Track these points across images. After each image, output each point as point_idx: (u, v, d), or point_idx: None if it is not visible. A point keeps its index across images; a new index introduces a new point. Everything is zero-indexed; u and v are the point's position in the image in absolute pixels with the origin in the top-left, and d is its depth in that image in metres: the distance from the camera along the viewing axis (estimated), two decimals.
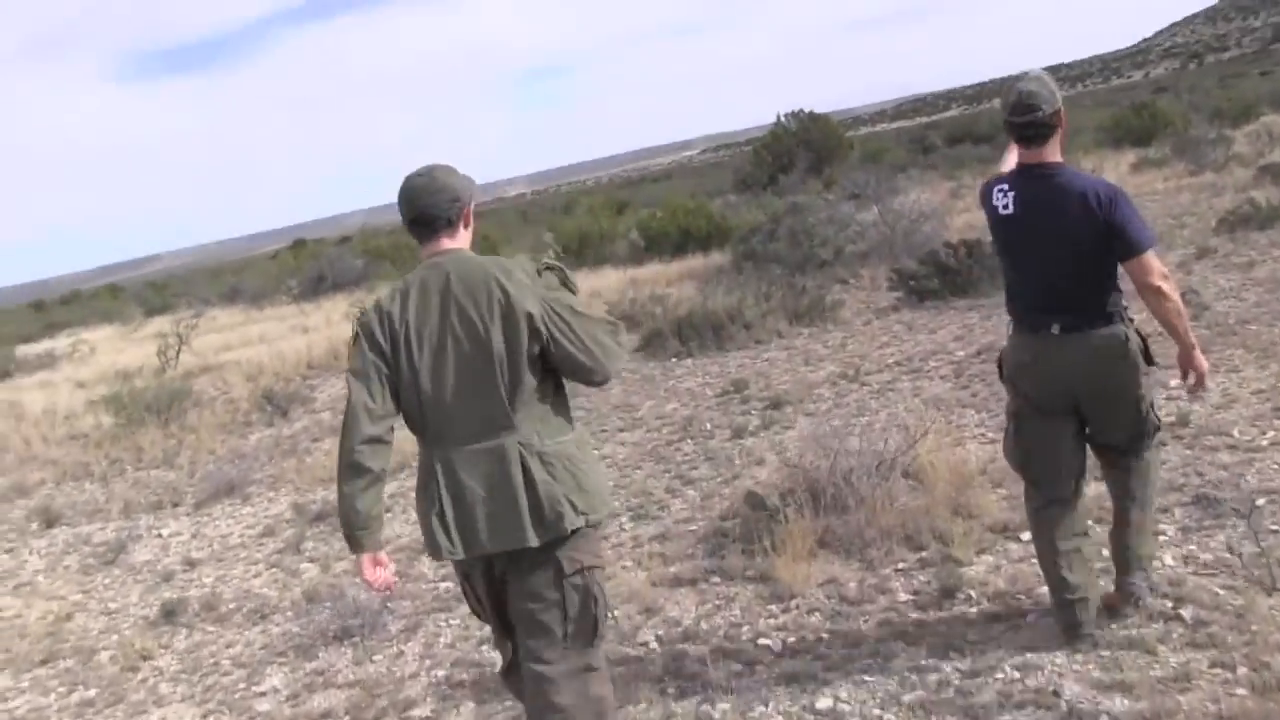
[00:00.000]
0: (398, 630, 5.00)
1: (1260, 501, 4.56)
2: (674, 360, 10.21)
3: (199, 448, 10.40)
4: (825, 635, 4.12)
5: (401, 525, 6.60)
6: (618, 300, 13.66)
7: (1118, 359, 3.57)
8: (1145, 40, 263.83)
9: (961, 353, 8.38)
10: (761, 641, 4.16)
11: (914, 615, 4.15)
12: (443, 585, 5.39)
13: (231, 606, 5.77)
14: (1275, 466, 4.97)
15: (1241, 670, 3.36)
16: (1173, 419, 5.48)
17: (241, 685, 4.75)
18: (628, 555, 5.38)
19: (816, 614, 4.33)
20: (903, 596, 4.34)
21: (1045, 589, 4.07)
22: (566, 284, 3.15)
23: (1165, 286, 3.47)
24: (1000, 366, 3.93)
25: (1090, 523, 4.06)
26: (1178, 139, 20.45)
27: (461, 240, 3.13)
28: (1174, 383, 3.95)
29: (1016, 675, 3.57)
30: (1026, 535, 4.66)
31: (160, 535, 7.51)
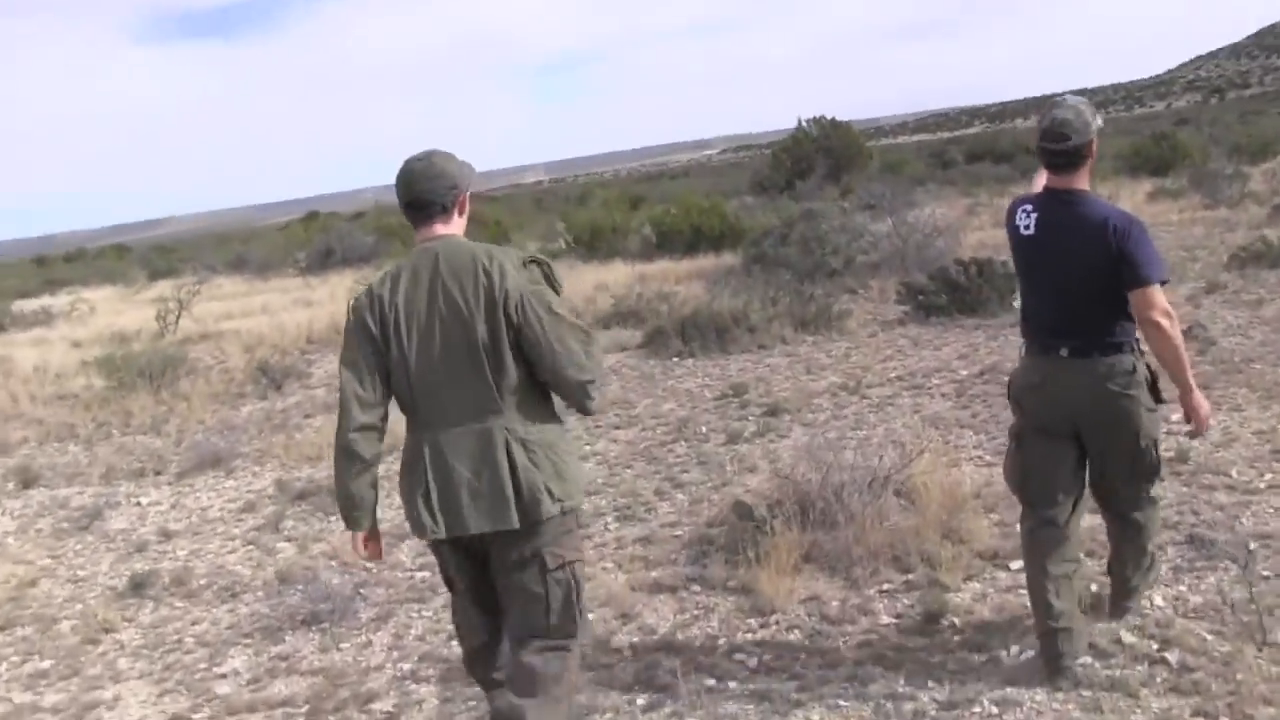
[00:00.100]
0: (368, 618, 4.89)
1: (1254, 546, 4.45)
2: (675, 359, 10.09)
3: (189, 416, 10.29)
4: (803, 655, 4.00)
5: (384, 510, 6.44)
6: (624, 295, 13.56)
7: (1122, 387, 3.55)
8: (1169, 71, 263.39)
9: (965, 372, 8.25)
10: (737, 656, 4.05)
11: (895, 639, 4.04)
12: (419, 575, 5.28)
13: (202, 582, 5.66)
14: (1271, 510, 4.86)
15: None
16: (1171, 454, 5.36)
17: (203, 665, 4.64)
18: (609, 556, 5.27)
19: (796, 631, 4.21)
20: (885, 619, 4.23)
21: (1031, 622, 3.96)
22: (550, 280, 3.15)
23: (1165, 324, 3.45)
24: (1010, 385, 3.94)
25: (1082, 555, 3.99)
26: (1195, 171, 20.29)
27: (455, 227, 3.16)
28: (1175, 417, 3.83)
29: (995, 710, 3.47)
30: (1016, 564, 4.55)
31: (139, 504, 7.40)
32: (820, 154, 30.71)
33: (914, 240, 13.66)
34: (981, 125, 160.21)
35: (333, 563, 5.67)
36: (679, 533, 5.44)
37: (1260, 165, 23.14)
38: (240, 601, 5.34)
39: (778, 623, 4.29)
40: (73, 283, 36.66)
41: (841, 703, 3.62)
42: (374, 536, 3.29)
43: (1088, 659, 3.68)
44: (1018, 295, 10.51)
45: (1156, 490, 3.85)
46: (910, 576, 4.57)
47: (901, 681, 3.71)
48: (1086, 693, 3.49)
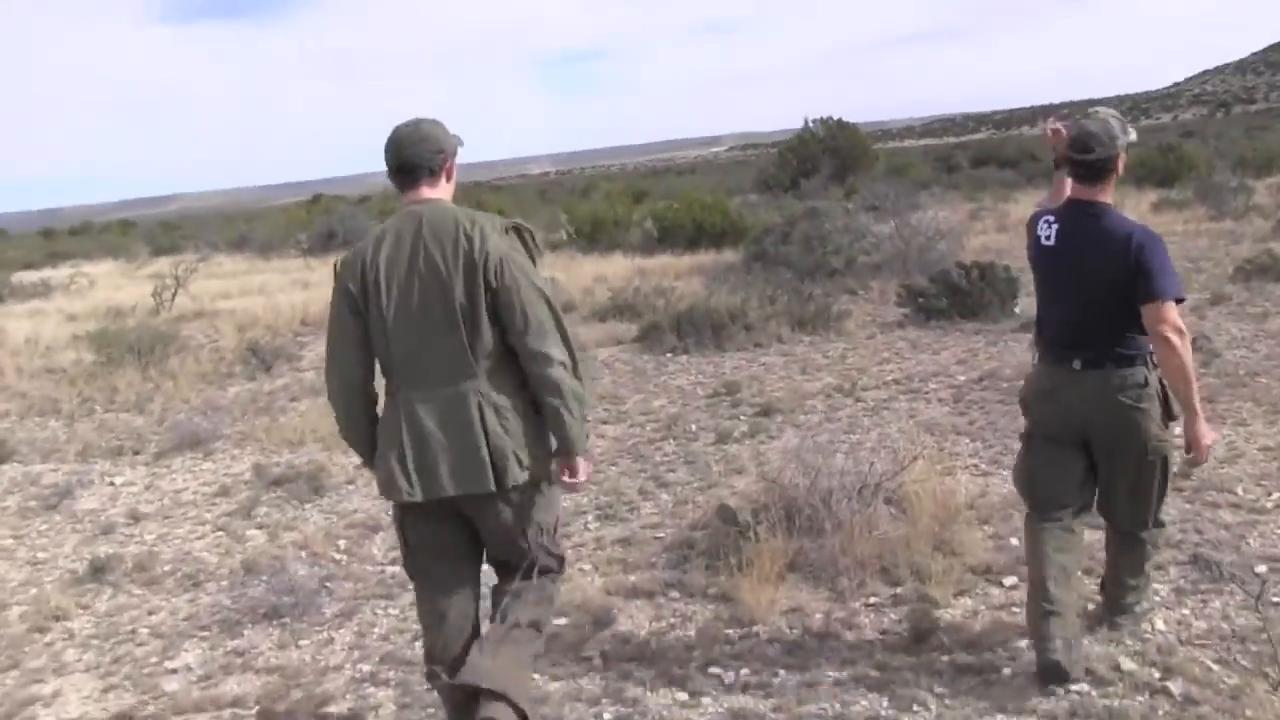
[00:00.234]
0: (332, 614, 4.68)
1: (1262, 569, 4.25)
2: (669, 355, 9.89)
3: (174, 395, 10.08)
4: (782, 671, 3.79)
5: (360, 500, 6.29)
6: (622, 288, 13.37)
7: (1134, 400, 3.53)
8: (1176, 85, 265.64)
9: (963, 377, 8.05)
10: (713, 670, 3.83)
11: (880, 657, 3.83)
12: (390, 569, 5.08)
13: (166, 569, 5.44)
14: None
15: None
16: (1173, 469, 5.16)
17: (154, 659, 4.41)
18: (587, 558, 5.06)
19: (776, 645, 4.00)
20: (870, 635, 4.03)
21: (1024, 643, 3.78)
22: (529, 249, 3.18)
23: (1176, 340, 3.41)
24: (1023, 390, 3.95)
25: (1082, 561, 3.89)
26: (1200, 183, 20.06)
27: (442, 191, 3.20)
28: (1177, 430, 3.64)
29: None
30: (1010, 580, 4.38)
31: (112, 483, 7.20)
32: (826, 154, 30.51)
33: (916, 243, 13.46)
34: (988, 131, 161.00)
35: (302, 553, 5.47)
36: (660, 535, 5.24)
37: (1265, 179, 22.95)
38: (202, 591, 5.12)
39: (758, 634, 4.08)
40: (76, 256, 36.45)
41: None
42: None
43: (1084, 686, 3.48)
44: (1019, 301, 10.39)
45: (1165, 513, 3.81)
46: (898, 590, 4.37)
47: (886, 703, 3.51)
48: None
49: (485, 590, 3.35)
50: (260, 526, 6.02)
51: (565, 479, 3.22)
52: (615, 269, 16.20)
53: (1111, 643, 3.77)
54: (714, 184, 38.10)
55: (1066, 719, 3.32)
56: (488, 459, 3.03)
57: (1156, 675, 3.53)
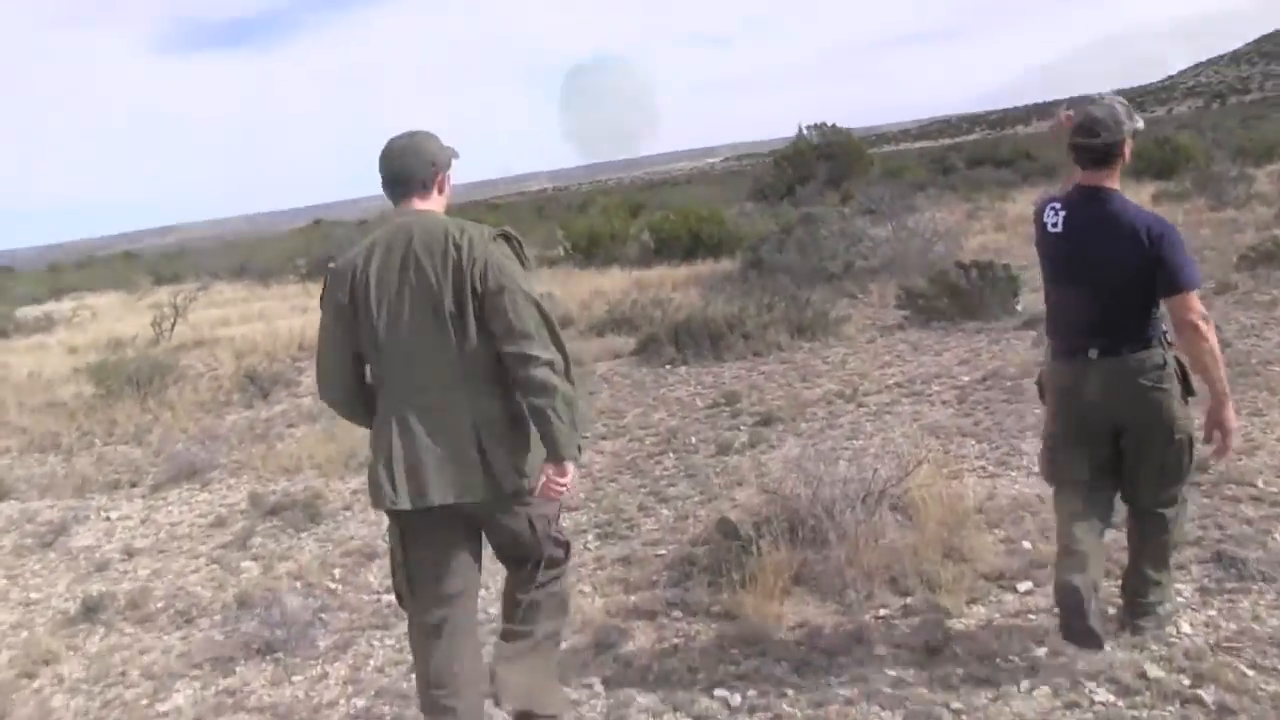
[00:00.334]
0: (326, 646, 4.55)
1: None
2: (668, 367, 9.77)
3: (173, 425, 9.97)
4: (790, 691, 3.66)
5: (357, 526, 6.17)
6: (620, 300, 13.27)
7: (1155, 381, 3.46)
8: (1170, 78, 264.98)
9: (966, 377, 7.92)
10: (718, 693, 3.70)
11: (892, 673, 3.69)
12: (386, 598, 4.95)
13: (159, 605, 5.31)
14: None
15: None
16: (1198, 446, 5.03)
17: (144, 702, 4.27)
18: (587, 579, 4.92)
19: (783, 663, 3.86)
20: (881, 650, 3.88)
21: (1042, 651, 3.65)
22: (519, 256, 3.14)
23: (1204, 327, 3.37)
24: (1040, 389, 3.88)
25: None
26: (1199, 174, 19.87)
27: (434, 203, 3.20)
28: (1196, 421, 3.53)
29: None
30: (1023, 585, 4.26)
31: (108, 518, 7.07)
32: (821, 160, 30.40)
33: (914, 245, 13.35)
34: (983, 132, 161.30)
35: (296, 584, 5.35)
36: (662, 552, 5.11)
37: (1265, 167, 22.79)
38: (195, 627, 4.98)
39: (764, 653, 3.94)
40: (80, 289, 36.48)
41: None
42: None
43: (1110, 696, 3.35)
44: (1020, 298, 10.24)
45: (1187, 493, 3.77)
46: (908, 600, 4.23)
47: None
48: None
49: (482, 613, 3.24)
50: (255, 558, 5.90)
51: (550, 485, 3.13)
52: (613, 283, 16.10)
53: (1135, 648, 3.63)
54: (710, 194, 38.02)
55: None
56: (480, 467, 3.05)
57: (1186, 682, 3.40)
